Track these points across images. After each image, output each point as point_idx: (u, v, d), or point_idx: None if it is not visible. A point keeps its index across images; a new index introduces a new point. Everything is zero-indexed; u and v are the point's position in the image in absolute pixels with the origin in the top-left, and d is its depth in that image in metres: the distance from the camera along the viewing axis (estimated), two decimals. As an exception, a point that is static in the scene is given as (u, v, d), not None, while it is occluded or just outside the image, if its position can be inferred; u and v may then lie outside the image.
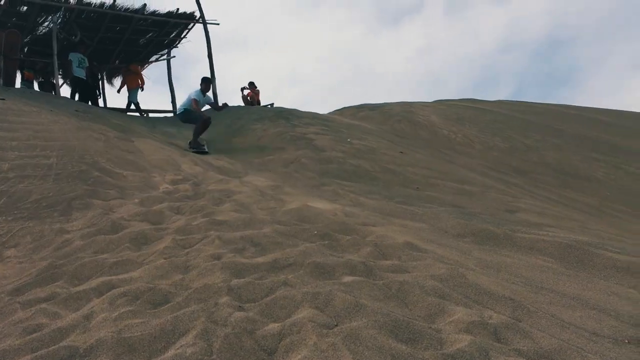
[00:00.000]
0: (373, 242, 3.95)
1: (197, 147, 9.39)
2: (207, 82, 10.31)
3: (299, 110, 14.06)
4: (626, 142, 15.80)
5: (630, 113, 27.29)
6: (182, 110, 10.26)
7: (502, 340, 2.23)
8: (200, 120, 9.68)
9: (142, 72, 15.33)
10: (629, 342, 2.35)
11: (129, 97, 15.08)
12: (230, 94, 39.82)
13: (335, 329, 2.14)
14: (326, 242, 3.96)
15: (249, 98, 15.70)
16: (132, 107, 15.17)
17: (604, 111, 25.58)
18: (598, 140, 15.61)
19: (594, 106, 28.60)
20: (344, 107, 18.11)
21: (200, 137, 9.90)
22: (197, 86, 10.27)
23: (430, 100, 19.88)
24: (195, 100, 9.90)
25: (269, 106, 16.01)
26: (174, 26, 15.29)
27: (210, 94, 10.49)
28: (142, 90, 15.03)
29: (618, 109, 28.25)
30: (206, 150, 9.35)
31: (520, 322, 2.48)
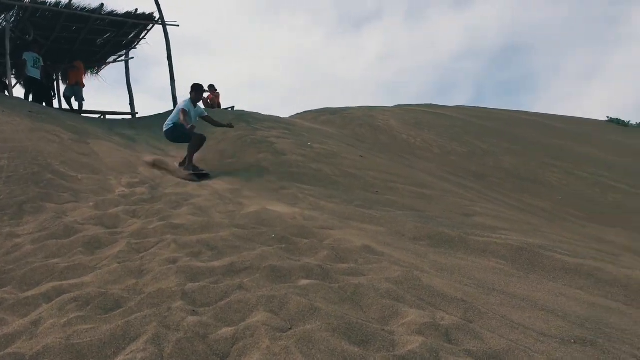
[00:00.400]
0: (330, 246, 3.97)
1: (195, 171, 7.55)
2: (198, 91, 8.28)
3: (260, 114, 14.01)
4: (578, 148, 16.31)
5: (582, 119, 28.21)
6: (169, 126, 8.15)
7: (453, 341, 2.27)
8: (192, 137, 7.77)
9: (83, 70, 14.89)
10: (574, 342, 2.42)
11: (65, 91, 14.60)
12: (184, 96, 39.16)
13: (288, 332, 2.14)
14: (284, 245, 3.96)
15: (209, 101, 15.55)
16: (73, 104, 14.65)
17: (558, 117, 26.36)
18: (552, 145, 16.07)
19: (549, 113, 29.42)
20: (306, 111, 18.15)
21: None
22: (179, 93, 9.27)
23: (390, 105, 20.10)
24: (183, 111, 7.84)
25: (230, 109, 15.89)
26: (132, 27, 15.01)
27: (201, 104, 8.86)
28: (84, 86, 14.63)
29: (571, 115, 29.17)
30: (206, 172, 7.68)
31: (471, 323, 2.53)
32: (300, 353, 1.94)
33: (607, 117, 30.28)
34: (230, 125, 8.69)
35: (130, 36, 15.66)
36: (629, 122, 29.88)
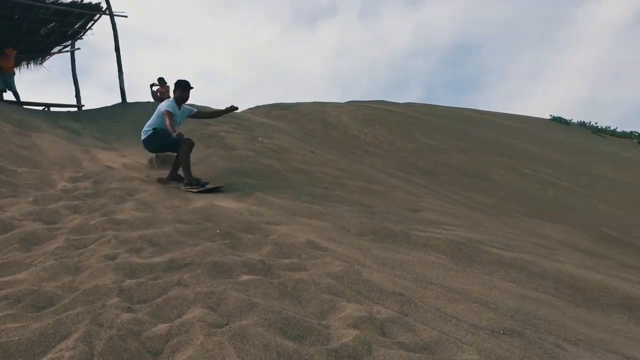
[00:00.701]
0: (274, 241, 3.98)
1: (197, 184, 6.25)
2: (185, 88, 6.81)
3: (212, 108, 13.87)
4: (522, 146, 16.85)
5: (527, 118, 29.13)
6: (149, 133, 6.81)
7: (387, 334, 2.32)
8: (179, 144, 6.43)
9: (13, 58, 14.35)
10: (504, 333, 2.52)
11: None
12: (139, 90, 38.54)
13: (224, 328, 2.14)
14: (228, 241, 3.95)
15: (159, 94, 15.28)
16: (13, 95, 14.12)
17: (505, 115, 27.13)
18: (498, 143, 16.53)
19: (496, 111, 30.26)
20: (257, 106, 18.09)
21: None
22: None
23: (342, 101, 20.24)
24: (168, 113, 6.50)
25: (180, 103, 15.64)
26: (78, 17, 14.58)
27: (187, 106, 7.20)
28: (14, 73, 14.11)
29: (517, 113, 30.09)
30: (209, 185, 6.33)
31: (406, 316, 2.60)
32: (234, 348, 1.95)
33: (551, 115, 31.43)
34: (232, 108, 7.12)
35: (76, 26, 15.22)
36: (570, 120, 31.08)
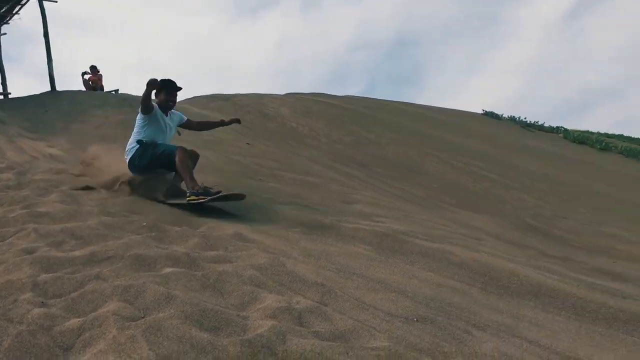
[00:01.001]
0: (202, 234, 3.98)
1: (205, 193, 4.78)
2: (171, 90, 5.44)
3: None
4: (456, 139, 17.38)
5: (461, 112, 30.06)
6: (133, 150, 5.30)
7: (303, 324, 2.38)
8: (177, 154, 5.01)
9: None
10: (417, 320, 2.63)
11: None
12: (71, 78, 37.09)
13: (138, 322, 2.14)
14: (154, 233, 3.91)
15: (90, 82, 14.80)
16: None
17: (440, 110, 27.87)
18: (432, 136, 16.99)
19: (432, 105, 31.03)
20: (196, 97, 17.82)
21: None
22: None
23: (282, 93, 20.23)
24: (143, 118, 5.30)
25: (114, 92, 15.26)
26: (4, 1, 13.90)
27: (176, 111, 5.72)
28: None
29: (451, 107, 30.96)
30: (221, 192, 4.87)
31: (325, 306, 2.67)
32: (146, 341, 1.95)
33: (483, 110, 32.55)
34: (236, 121, 5.91)
35: (1, 10, 14.49)
36: (502, 115, 32.30)
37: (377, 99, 26.22)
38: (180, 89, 5.53)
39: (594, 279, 4.45)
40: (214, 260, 3.29)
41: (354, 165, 11.29)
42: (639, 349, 2.73)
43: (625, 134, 39.79)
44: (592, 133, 36.76)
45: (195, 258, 3.27)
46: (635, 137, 38.70)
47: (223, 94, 17.88)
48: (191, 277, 2.85)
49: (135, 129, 5.40)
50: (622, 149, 28.06)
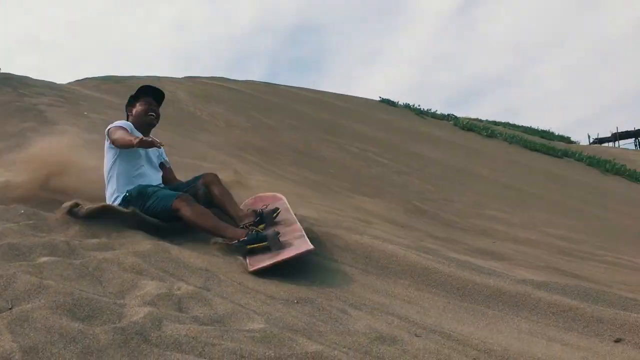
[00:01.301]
0: (84, 221, 3.84)
1: (254, 240, 3.39)
2: (148, 97, 4.37)
3: (31, 78, 12.70)
4: (352, 125, 17.84)
5: (358, 98, 30.86)
6: (115, 201, 4.02)
7: (183, 310, 2.40)
8: (171, 204, 3.70)
9: None
10: (297, 302, 2.73)
11: None
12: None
13: (4, 313, 2.06)
14: (32, 221, 3.71)
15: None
16: None
17: (338, 96, 28.42)
18: (329, 122, 17.32)
19: (333, 91, 31.54)
20: (87, 78, 16.93)
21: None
22: None
23: (180, 77, 19.70)
24: (117, 127, 4.00)
25: (-7, 70, 14.13)
26: None
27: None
28: None
29: (349, 94, 31.71)
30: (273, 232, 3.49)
31: (208, 291, 2.69)
32: (10, 333, 1.89)
33: (380, 97, 33.64)
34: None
35: None
36: (397, 102, 33.55)
37: (277, 85, 26.24)
38: (162, 95, 4.45)
39: (474, 258, 4.80)
40: (94, 248, 3.20)
41: (251, 151, 11.27)
42: (497, 320, 3.01)
43: (510, 122, 42.78)
44: (480, 120, 39.15)
45: (75, 246, 3.17)
46: (520, 124, 41.75)
47: (116, 76, 17.13)
48: (68, 266, 2.76)
49: (106, 163, 4.10)
50: (507, 136, 30.16)
